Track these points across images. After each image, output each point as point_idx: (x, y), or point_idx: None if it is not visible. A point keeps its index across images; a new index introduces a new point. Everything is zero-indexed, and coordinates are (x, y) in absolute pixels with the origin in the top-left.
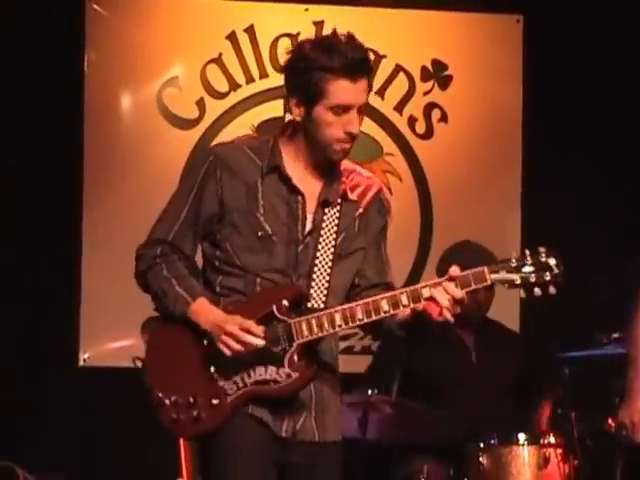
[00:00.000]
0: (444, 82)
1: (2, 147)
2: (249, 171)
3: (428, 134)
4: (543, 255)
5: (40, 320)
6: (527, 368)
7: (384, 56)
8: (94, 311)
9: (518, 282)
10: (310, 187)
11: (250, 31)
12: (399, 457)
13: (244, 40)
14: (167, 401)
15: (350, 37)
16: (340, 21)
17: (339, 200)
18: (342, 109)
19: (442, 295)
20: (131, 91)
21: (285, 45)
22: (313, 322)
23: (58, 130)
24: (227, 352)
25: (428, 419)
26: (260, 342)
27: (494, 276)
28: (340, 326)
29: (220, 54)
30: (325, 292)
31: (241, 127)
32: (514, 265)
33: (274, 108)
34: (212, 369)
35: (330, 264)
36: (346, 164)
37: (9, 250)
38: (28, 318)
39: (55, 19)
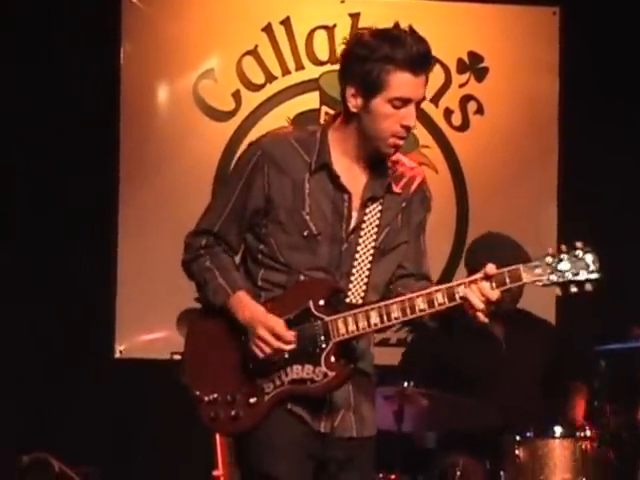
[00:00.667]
0: (480, 74)
1: (41, 139)
2: (297, 167)
3: (464, 126)
4: (580, 252)
5: (76, 312)
6: (560, 358)
7: None
8: (130, 303)
9: (554, 280)
10: (356, 183)
11: (286, 23)
12: (435, 451)
13: (280, 32)
14: (206, 399)
15: (413, 31)
16: (376, 13)
17: (383, 194)
18: (401, 102)
19: (477, 297)
20: (167, 83)
21: (322, 37)
22: (349, 320)
23: (95, 122)
24: (259, 354)
25: (462, 410)
26: (288, 348)
27: (530, 275)
28: (376, 324)
29: (256, 46)
30: (364, 288)
31: (277, 119)
32: (549, 262)
33: (310, 100)
34: (250, 366)
35: (370, 259)
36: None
37: (47, 244)
38: (64, 311)
39: (91, 12)
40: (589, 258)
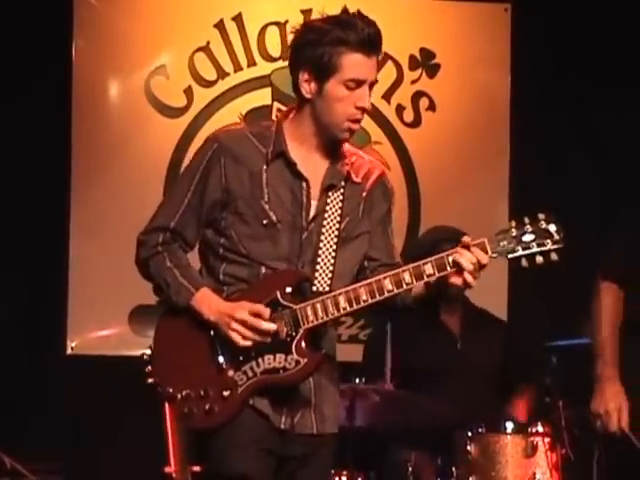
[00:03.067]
0: (432, 70)
1: None
2: (253, 158)
3: (416, 122)
4: (543, 222)
5: (27, 309)
6: (512, 357)
7: None
8: (81, 299)
9: (520, 252)
10: (314, 171)
11: (238, 19)
12: (387, 445)
13: (232, 28)
14: (179, 395)
15: (361, 14)
16: (328, 9)
17: (342, 183)
18: (355, 84)
19: (467, 260)
20: (119, 79)
21: (274, 33)
22: (318, 306)
23: (46, 119)
24: (240, 341)
25: (415, 407)
26: (272, 326)
27: (495, 247)
28: (345, 309)
29: (208, 42)
30: (330, 276)
31: (229, 115)
32: (514, 235)
33: (262, 96)
34: (220, 359)
35: (334, 248)
36: (348, 147)
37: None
38: (15, 307)
39: (44, 7)
40: (552, 228)
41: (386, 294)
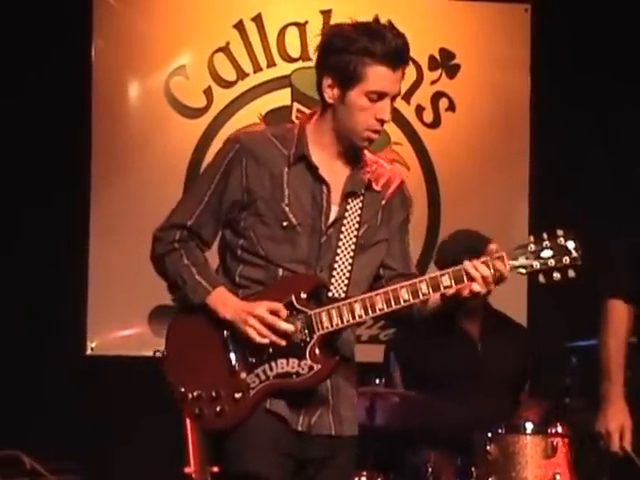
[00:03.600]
0: (452, 71)
1: (11, 135)
2: (275, 160)
3: (436, 123)
4: (561, 238)
5: (47, 309)
6: (531, 362)
7: None
8: (101, 300)
9: (537, 268)
10: (335, 177)
11: (258, 20)
12: (407, 446)
13: (252, 29)
14: (190, 395)
15: (392, 25)
16: (348, 9)
17: (363, 190)
18: (377, 96)
19: (483, 274)
20: (139, 80)
21: (294, 34)
22: (333, 313)
23: (66, 119)
24: (256, 337)
25: (434, 411)
26: (290, 327)
27: (513, 262)
28: (360, 316)
29: (228, 43)
30: (346, 283)
31: (248, 116)
32: (532, 250)
33: (282, 97)
34: (233, 361)
35: (352, 254)
36: (369, 155)
37: (17, 238)
38: (35, 308)
39: (63, 8)
40: (571, 245)
41: (402, 303)
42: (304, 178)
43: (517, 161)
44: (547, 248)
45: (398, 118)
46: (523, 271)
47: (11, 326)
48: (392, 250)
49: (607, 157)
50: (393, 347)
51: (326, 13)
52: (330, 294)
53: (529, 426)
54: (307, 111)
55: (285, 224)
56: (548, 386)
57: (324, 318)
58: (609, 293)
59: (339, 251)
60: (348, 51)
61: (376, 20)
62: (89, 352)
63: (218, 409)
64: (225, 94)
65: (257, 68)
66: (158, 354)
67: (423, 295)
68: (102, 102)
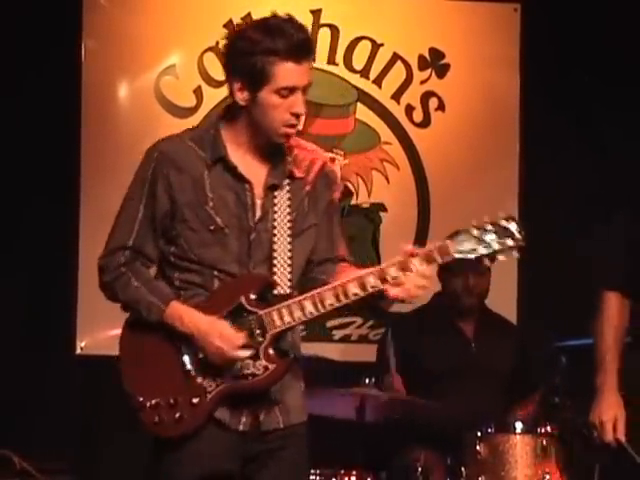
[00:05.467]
0: (441, 71)
1: (0, 135)
2: (194, 165)
3: (425, 123)
4: (503, 221)
5: (36, 308)
6: (523, 361)
7: (381, 44)
8: (91, 299)
9: (482, 251)
10: (256, 173)
11: (247, 19)
12: (397, 446)
13: None
14: (148, 404)
15: (291, 19)
16: (337, 9)
17: (286, 181)
18: (288, 91)
19: (416, 279)
20: (128, 79)
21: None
22: (284, 311)
23: (56, 119)
24: (216, 362)
25: (425, 411)
26: (247, 354)
27: (458, 248)
28: (311, 313)
29: (217, 42)
30: (289, 276)
31: None
32: (476, 235)
33: None
34: (189, 367)
35: (289, 247)
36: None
37: (5, 239)
38: (25, 307)
39: (53, 8)
40: (513, 227)
41: (351, 297)
42: (225, 179)
43: (506, 160)
44: (490, 232)
45: (388, 117)
46: (469, 256)
47: (0, 326)
48: (319, 234)
49: (595, 156)
50: (392, 333)
51: (316, 12)
52: (275, 291)
53: (519, 426)
54: None
55: (212, 227)
56: (538, 385)
57: (275, 317)
58: (604, 285)
59: (275, 246)
60: (253, 53)
61: (275, 16)
62: (79, 351)
63: (177, 415)
64: (215, 94)
65: None
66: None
67: (372, 288)
68: (92, 102)
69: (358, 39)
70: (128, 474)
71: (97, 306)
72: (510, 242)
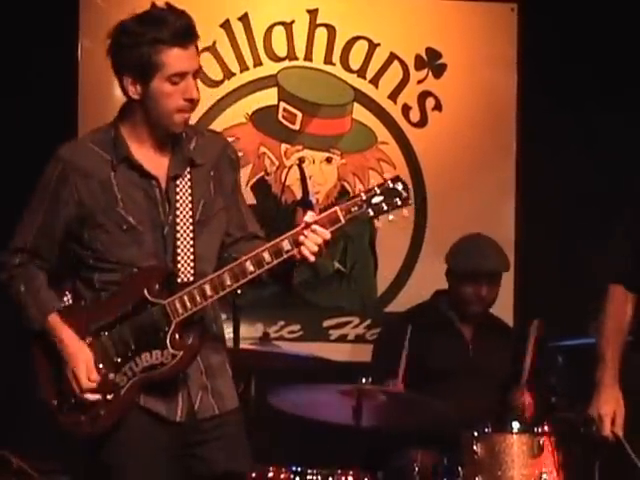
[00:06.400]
0: (438, 70)
1: None
2: (99, 168)
3: (422, 122)
4: (390, 182)
5: None
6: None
7: (378, 44)
8: None
9: (372, 214)
10: (161, 166)
11: (244, 19)
12: (394, 445)
13: (238, 28)
14: (64, 406)
15: (170, 6)
16: (334, 9)
17: (188, 169)
18: (179, 77)
19: (312, 241)
20: None
21: (280, 33)
22: (185, 298)
23: (52, 119)
24: (75, 388)
25: (422, 409)
26: (95, 398)
27: (347, 214)
28: (212, 296)
29: (214, 42)
30: (192, 265)
31: (235, 115)
32: (364, 199)
33: (268, 96)
34: (99, 364)
35: (191, 235)
36: (188, 130)
37: (5, 240)
38: None
39: (49, 8)
40: (400, 186)
41: (249, 276)
42: (131, 178)
43: (503, 160)
44: (377, 195)
45: (384, 117)
46: (359, 218)
47: (1, 325)
48: (230, 216)
49: (593, 155)
50: (386, 343)
51: (312, 12)
52: (179, 280)
53: (515, 425)
54: (293, 110)
55: (125, 227)
56: (534, 385)
57: (178, 305)
58: (608, 279)
59: (178, 235)
60: (138, 45)
61: (154, 6)
62: None
63: (93, 414)
64: (212, 93)
65: (244, 67)
66: None
67: (267, 264)
68: (89, 102)
69: (355, 39)
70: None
71: None
72: (398, 201)
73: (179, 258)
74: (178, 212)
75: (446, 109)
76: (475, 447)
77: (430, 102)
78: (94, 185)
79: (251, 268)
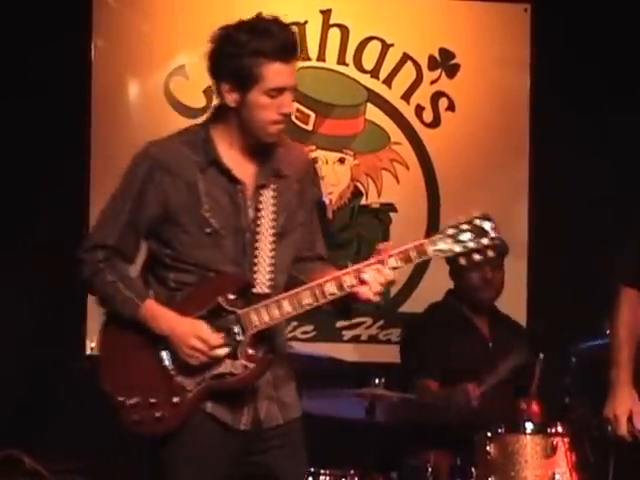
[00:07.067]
0: (451, 71)
1: (9, 135)
2: (188, 169)
3: (435, 123)
4: (477, 220)
5: (47, 309)
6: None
7: (391, 45)
8: None
9: (458, 251)
10: (247, 173)
11: None
12: (407, 446)
13: None
14: (128, 403)
15: (277, 19)
16: (347, 9)
17: (273, 180)
18: (277, 92)
19: (375, 279)
20: (138, 80)
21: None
22: (262, 311)
23: (66, 118)
24: (193, 363)
25: (435, 412)
26: (225, 352)
27: (434, 248)
28: (289, 312)
29: None
30: (270, 276)
31: None
32: (451, 234)
33: None
34: (168, 366)
35: (272, 246)
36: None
37: (16, 240)
38: (35, 307)
39: (63, 8)
40: (487, 225)
41: (328, 297)
42: (219, 181)
43: (516, 161)
44: (465, 231)
45: (398, 118)
46: (445, 255)
47: (11, 326)
48: (303, 232)
49: (606, 156)
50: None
51: (326, 13)
52: (255, 290)
53: (529, 426)
54: (307, 111)
55: (208, 230)
56: (548, 386)
57: (253, 317)
58: (620, 280)
59: (257, 245)
60: (240, 55)
61: (259, 17)
62: (89, 352)
63: (157, 415)
64: None
65: None
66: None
67: (348, 287)
68: (102, 102)
69: (368, 39)
70: (137, 473)
71: None
72: (485, 241)
73: (256, 268)
74: (261, 221)
75: (459, 109)
76: (488, 448)
77: (443, 102)
78: (180, 185)
79: (331, 290)
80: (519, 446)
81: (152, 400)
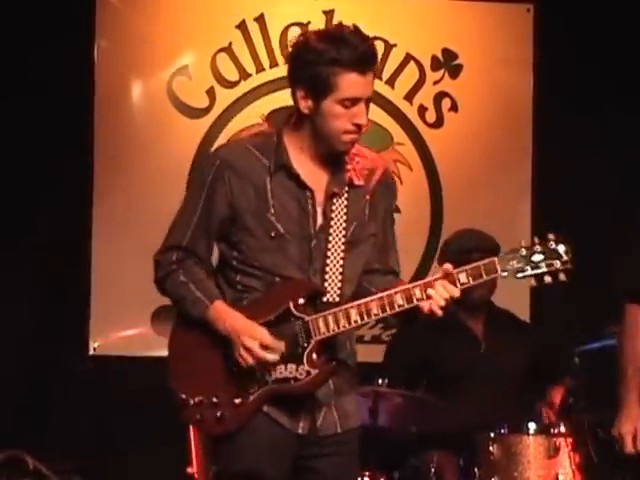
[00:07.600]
0: (454, 71)
1: (12, 135)
2: (256, 172)
3: (438, 123)
4: (552, 242)
5: (51, 309)
6: (538, 357)
7: (394, 45)
8: (104, 300)
9: (529, 272)
10: (317, 180)
11: (260, 20)
12: (410, 446)
13: (254, 29)
14: (191, 401)
15: (357, 29)
16: (350, 10)
17: (346, 188)
18: (351, 102)
19: (441, 295)
20: (141, 80)
21: (291, 36)
22: (330, 319)
23: (68, 119)
24: (242, 363)
25: (437, 411)
26: (275, 358)
27: (505, 266)
28: (356, 321)
29: (230, 43)
30: (339, 284)
31: (251, 116)
32: (524, 254)
33: (284, 97)
34: (233, 367)
35: (342, 255)
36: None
37: (18, 239)
38: (39, 308)
39: (66, 8)
40: (562, 248)
41: (396, 309)
42: (287, 186)
43: (520, 161)
44: (538, 252)
45: (400, 118)
46: (517, 275)
47: (14, 326)
48: (374, 244)
49: (609, 157)
50: (399, 345)
51: (328, 13)
52: (325, 298)
53: (532, 426)
54: None
55: (273, 234)
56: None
57: (321, 324)
58: (626, 297)
59: (329, 253)
60: (317, 63)
61: (340, 26)
62: (92, 352)
63: (218, 414)
64: (228, 94)
65: (260, 68)
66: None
67: (417, 300)
68: (105, 102)
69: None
70: (142, 473)
71: (110, 307)
72: (558, 264)
73: (327, 277)
74: (331, 230)
75: (462, 110)
76: (491, 448)
77: (446, 103)
78: (248, 187)
79: (400, 301)
80: (522, 446)
81: (215, 400)
